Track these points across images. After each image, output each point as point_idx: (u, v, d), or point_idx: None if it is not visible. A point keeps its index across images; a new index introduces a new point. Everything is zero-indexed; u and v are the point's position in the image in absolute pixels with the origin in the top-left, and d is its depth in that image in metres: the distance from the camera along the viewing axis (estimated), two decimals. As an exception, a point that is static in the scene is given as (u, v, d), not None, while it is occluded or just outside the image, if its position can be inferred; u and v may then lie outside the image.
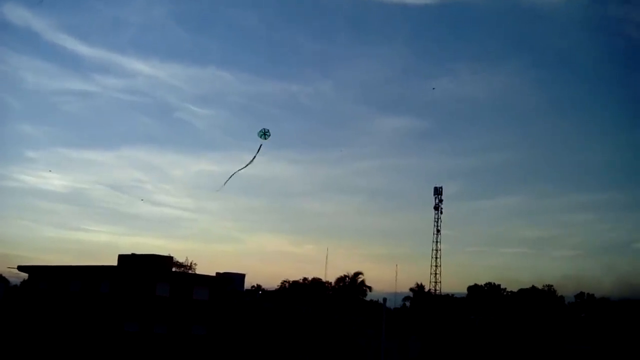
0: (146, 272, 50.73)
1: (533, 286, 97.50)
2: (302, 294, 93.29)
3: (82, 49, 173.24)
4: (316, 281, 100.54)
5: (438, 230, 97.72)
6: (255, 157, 33.45)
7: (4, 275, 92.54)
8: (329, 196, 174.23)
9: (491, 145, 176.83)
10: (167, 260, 57.65)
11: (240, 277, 62.83)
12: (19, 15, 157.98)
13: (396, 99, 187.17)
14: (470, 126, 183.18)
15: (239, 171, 33.68)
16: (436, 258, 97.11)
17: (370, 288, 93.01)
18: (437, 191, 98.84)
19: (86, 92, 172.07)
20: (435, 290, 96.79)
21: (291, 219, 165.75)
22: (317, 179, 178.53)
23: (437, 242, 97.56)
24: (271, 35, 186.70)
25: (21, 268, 59.28)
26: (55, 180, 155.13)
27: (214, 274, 59.68)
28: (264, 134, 33.23)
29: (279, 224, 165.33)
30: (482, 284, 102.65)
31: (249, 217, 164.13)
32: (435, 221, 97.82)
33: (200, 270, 73.95)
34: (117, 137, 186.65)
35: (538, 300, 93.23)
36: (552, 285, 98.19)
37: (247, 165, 33.21)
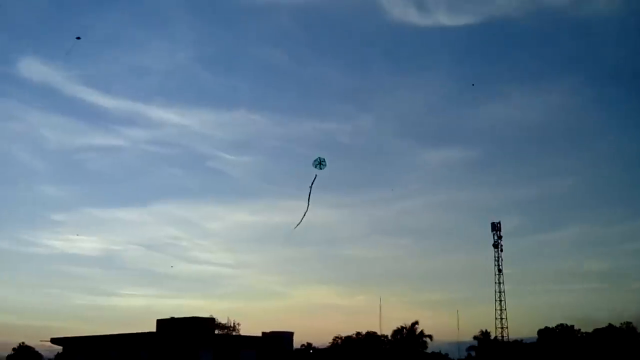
0: (187, 338, 46.55)
1: (610, 324, 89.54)
2: (357, 350, 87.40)
3: (104, 101, 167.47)
4: (371, 335, 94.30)
5: (500, 270, 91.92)
6: (310, 192, 31.00)
7: (36, 349, 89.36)
8: (376, 240, 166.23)
9: (550, 171, 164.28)
10: (209, 323, 54.24)
11: (289, 336, 58.24)
12: (36, 70, 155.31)
13: (442, 129, 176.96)
14: (525, 153, 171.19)
15: (305, 214, 31.91)
16: (500, 301, 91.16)
17: (430, 337, 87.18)
18: (495, 227, 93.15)
19: (112, 147, 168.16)
20: (502, 336, 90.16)
21: (338, 268, 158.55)
22: (362, 223, 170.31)
23: (499, 282, 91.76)
24: (302, 71, 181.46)
25: (55, 340, 56.81)
26: (85, 243, 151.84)
27: (260, 334, 56.02)
28: (320, 163, 30.93)
29: (326, 274, 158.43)
30: (553, 326, 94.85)
31: (293, 268, 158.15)
32: (495, 260, 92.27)
33: (245, 330, 71.32)
34: (148, 192, 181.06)
35: (616, 339, 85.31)
36: (630, 322, 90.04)
37: (308, 206, 31.29)
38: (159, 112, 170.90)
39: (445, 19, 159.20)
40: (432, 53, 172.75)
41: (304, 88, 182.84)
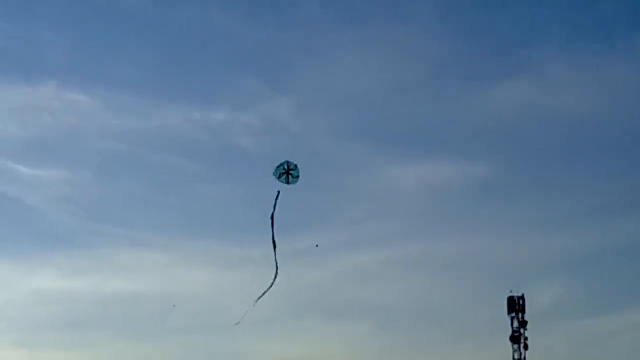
0: None
1: None
2: None
3: None
4: None
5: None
6: (273, 232, 20.69)
7: None
8: (303, 327, 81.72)
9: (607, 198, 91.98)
10: None
11: None
12: None
13: (421, 124, 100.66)
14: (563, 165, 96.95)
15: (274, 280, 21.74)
16: None
17: None
18: (514, 304, 58.01)
19: None
20: None
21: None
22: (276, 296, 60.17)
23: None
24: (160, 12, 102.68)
25: None
26: None
27: None
28: (287, 172, 19.72)
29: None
30: None
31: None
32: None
33: None
34: None
35: None
36: None
37: (277, 267, 21.01)
38: None
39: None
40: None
41: (166, 41, 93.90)
